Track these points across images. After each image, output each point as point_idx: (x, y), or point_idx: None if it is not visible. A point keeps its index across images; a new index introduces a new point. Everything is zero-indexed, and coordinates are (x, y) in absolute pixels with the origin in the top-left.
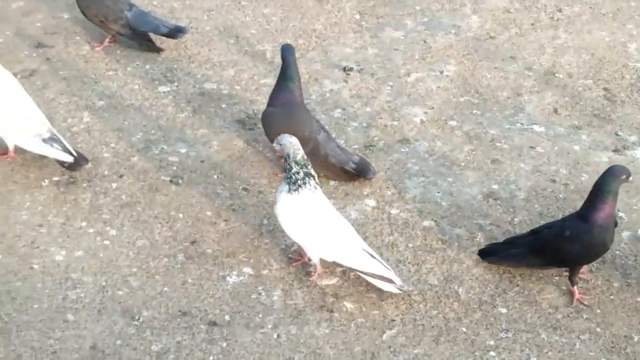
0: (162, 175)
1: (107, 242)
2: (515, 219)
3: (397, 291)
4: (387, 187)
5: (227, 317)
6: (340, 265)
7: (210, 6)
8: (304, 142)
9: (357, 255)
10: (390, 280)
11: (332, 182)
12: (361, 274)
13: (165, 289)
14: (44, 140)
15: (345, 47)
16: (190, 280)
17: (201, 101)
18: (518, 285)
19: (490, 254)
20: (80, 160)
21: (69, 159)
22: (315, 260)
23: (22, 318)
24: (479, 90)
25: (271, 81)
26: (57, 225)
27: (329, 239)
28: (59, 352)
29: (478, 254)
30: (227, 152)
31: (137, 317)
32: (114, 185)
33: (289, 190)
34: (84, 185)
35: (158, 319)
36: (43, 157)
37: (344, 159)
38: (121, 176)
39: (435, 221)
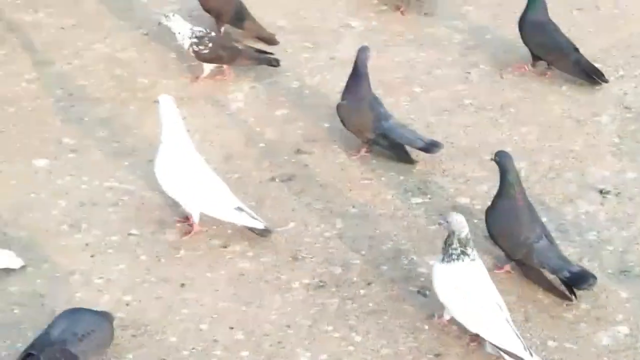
0: (409, 285)
1: (351, 348)
2: None
3: None
4: None
5: None
6: (482, 338)
7: (467, 122)
8: (516, 248)
9: (501, 332)
10: None
11: (583, 305)
12: (497, 349)
13: None
14: (235, 209)
15: (603, 170)
16: None
17: None
18: None
19: None
20: (269, 228)
21: (259, 225)
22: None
23: None
24: None
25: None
26: (304, 327)
27: (475, 310)
28: None
29: None
30: None
31: None
32: (362, 292)
33: (442, 260)
34: (333, 289)
35: None
36: (294, 259)
37: (559, 266)
38: (369, 284)
39: None
